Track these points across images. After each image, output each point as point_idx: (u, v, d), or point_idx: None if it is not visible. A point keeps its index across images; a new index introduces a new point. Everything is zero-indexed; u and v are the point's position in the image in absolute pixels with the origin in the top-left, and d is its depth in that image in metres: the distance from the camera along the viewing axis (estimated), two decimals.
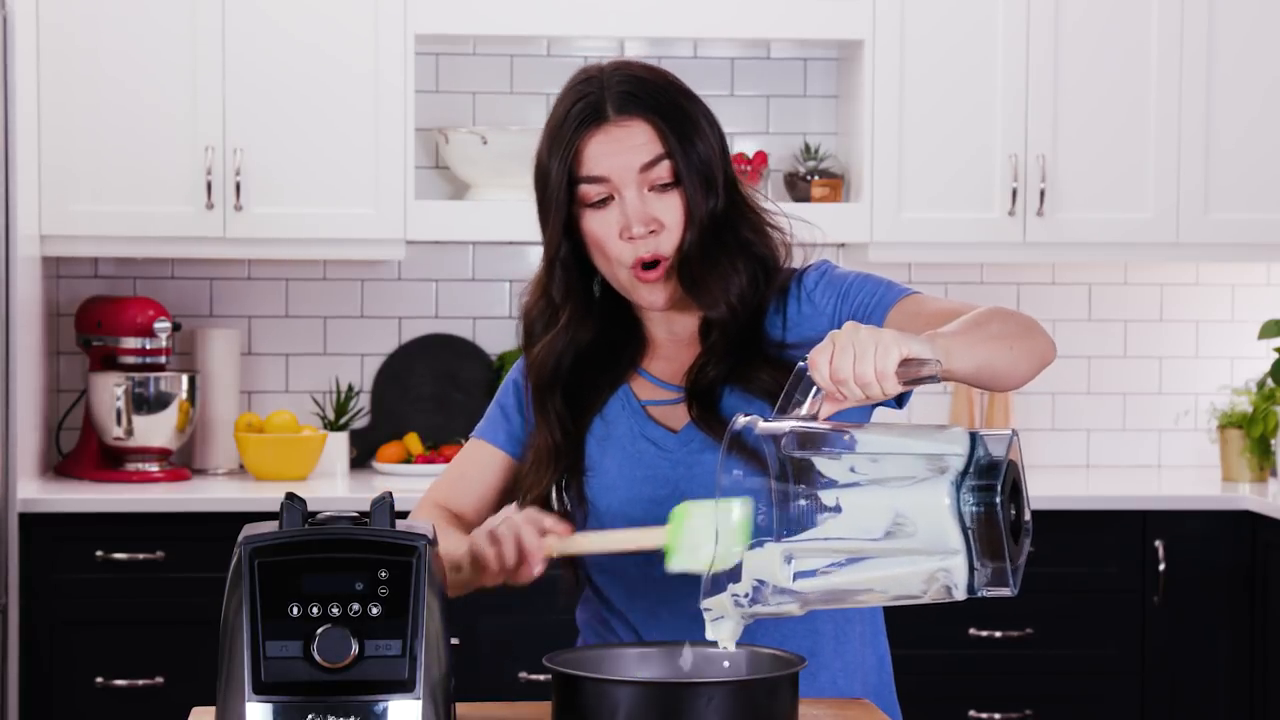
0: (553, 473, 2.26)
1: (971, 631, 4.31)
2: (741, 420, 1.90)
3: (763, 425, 1.89)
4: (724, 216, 2.22)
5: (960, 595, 1.82)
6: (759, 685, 1.84)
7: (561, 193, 2.20)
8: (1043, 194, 4.52)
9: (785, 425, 1.89)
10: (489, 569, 2.05)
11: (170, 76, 4.36)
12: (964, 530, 1.78)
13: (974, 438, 1.81)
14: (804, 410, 1.90)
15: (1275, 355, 4.61)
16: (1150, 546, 4.35)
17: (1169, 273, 4.93)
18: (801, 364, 1.91)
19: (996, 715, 4.34)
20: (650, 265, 2.20)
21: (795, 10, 4.50)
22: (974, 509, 1.78)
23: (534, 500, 2.26)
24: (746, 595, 1.88)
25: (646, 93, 2.21)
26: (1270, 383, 4.66)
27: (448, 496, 2.34)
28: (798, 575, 1.85)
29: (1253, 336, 4.82)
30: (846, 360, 1.85)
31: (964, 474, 1.79)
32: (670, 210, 2.20)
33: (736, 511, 1.90)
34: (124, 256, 4.62)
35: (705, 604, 1.91)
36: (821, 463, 1.85)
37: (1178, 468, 4.92)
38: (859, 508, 1.83)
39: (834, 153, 4.73)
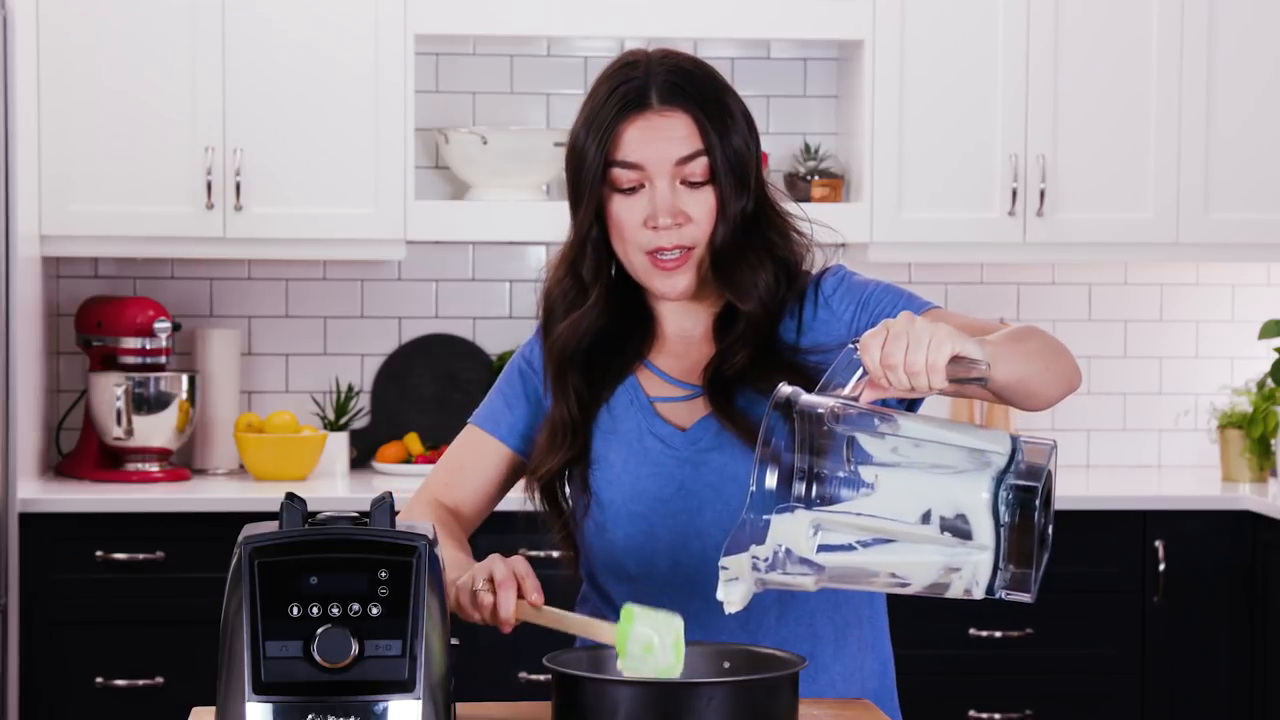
0: (566, 450, 2.24)
1: (971, 631, 4.31)
2: (787, 389, 1.88)
3: (808, 397, 1.87)
4: (752, 217, 2.22)
5: (979, 594, 1.81)
6: (759, 685, 1.84)
7: (596, 174, 2.19)
8: (1043, 194, 4.52)
9: (830, 400, 1.87)
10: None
11: (170, 77, 4.36)
12: (997, 528, 1.78)
13: (1015, 440, 1.81)
14: (846, 391, 1.89)
15: (1275, 355, 4.61)
16: (1150, 546, 4.35)
17: (1169, 273, 4.93)
18: (851, 345, 1.89)
19: (996, 715, 4.34)
20: (670, 254, 2.20)
21: (795, 10, 4.50)
22: (1012, 508, 1.78)
23: (544, 477, 2.26)
24: (766, 560, 1.86)
25: (691, 85, 2.21)
26: (1270, 383, 4.66)
27: (446, 488, 2.32)
28: (821, 548, 1.84)
29: (1253, 336, 4.82)
30: (899, 347, 1.84)
31: (1005, 472, 1.79)
32: (699, 206, 2.19)
33: (675, 627, 1.92)
34: (124, 256, 4.62)
35: (724, 562, 1.89)
36: (864, 439, 1.83)
37: (1178, 468, 4.92)
38: (896, 488, 1.81)
39: (834, 153, 4.74)
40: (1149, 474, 4.82)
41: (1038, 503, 1.78)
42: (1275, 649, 4.28)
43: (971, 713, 4.33)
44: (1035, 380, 2.01)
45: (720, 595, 1.91)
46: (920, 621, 4.23)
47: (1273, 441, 4.62)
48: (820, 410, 1.85)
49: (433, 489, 2.33)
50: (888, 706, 2.30)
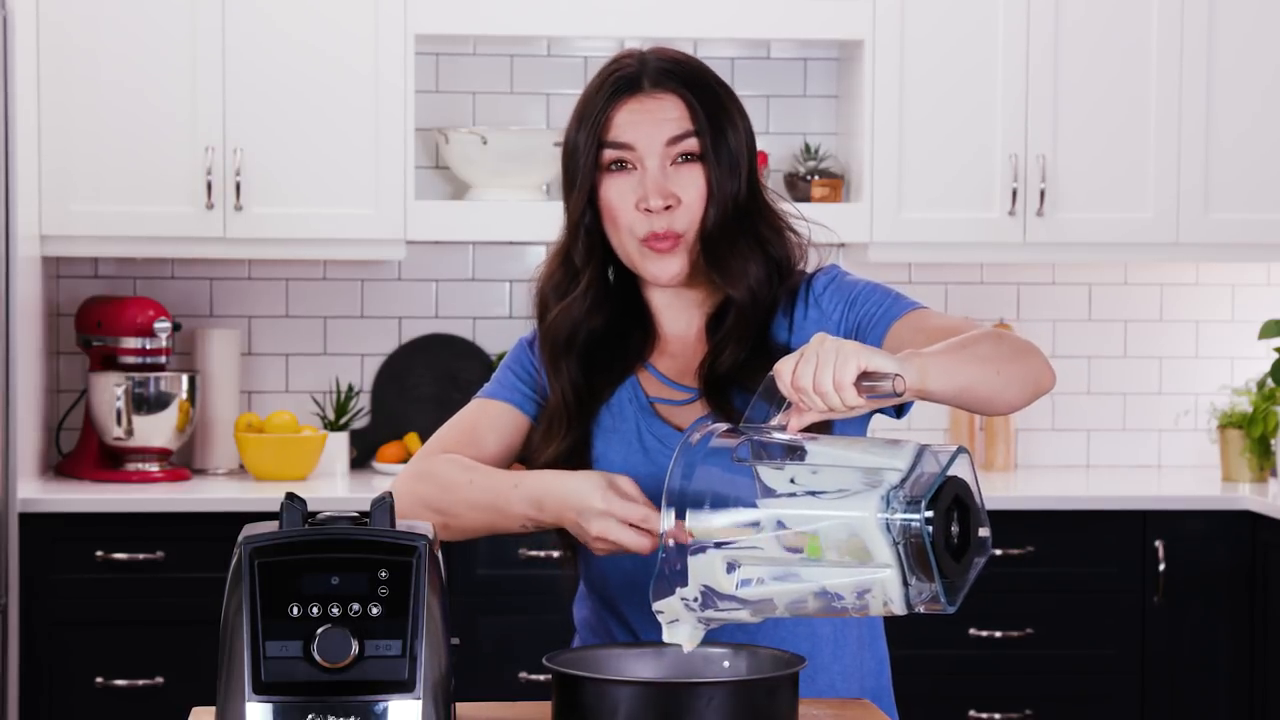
0: (563, 436, 2.24)
1: (971, 631, 4.31)
2: (704, 427, 1.90)
3: (717, 440, 1.89)
4: (745, 208, 2.23)
5: (898, 610, 1.81)
6: (759, 685, 1.84)
7: (589, 157, 2.20)
8: (1043, 194, 4.52)
9: (739, 438, 1.89)
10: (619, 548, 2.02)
11: (170, 77, 4.36)
12: (894, 545, 1.78)
13: (920, 452, 1.81)
14: (774, 420, 1.91)
15: (1275, 355, 4.61)
16: (1150, 546, 4.35)
17: (1169, 273, 4.93)
18: (771, 372, 1.91)
19: (996, 715, 4.34)
20: (662, 238, 2.20)
21: (795, 10, 4.50)
22: (902, 524, 1.78)
23: (543, 467, 2.25)
24: (696, 600, 1.88)
25: (684, 71, 2.23)
26: (1270, 383, 4.66)
27: (459, 447, 2.26)
28: (741, 583, 1.85)
29: (1253, 336, 4.82)
30: (808, 370, 1.86)
31: (897, 489, 1.78)
32: (690, 187, 2.20)
33: None
34: (124, 256, 4.62)
35: (657, 607, 1.91)
36: (765, 472, 1.85)
37: (1178, 468, 4.92)
38: (792, 519, 1.82)
39: (834, 153, 4.74)
40: (1149, 474, 4.82)
41: (922, 516, 1.76)
42: (1275, 649, 4.28)
43: (971, 713, 4.33)
44: (983, 386, 1.99)
45: (667, 638, 1.93)
46: (920, 621, 4.23)
47: (1273, 441, 4.63)
48: (725, 446, 1.87)
49: (446, 446, 2.27)
50: (884, 704, 2.30)
